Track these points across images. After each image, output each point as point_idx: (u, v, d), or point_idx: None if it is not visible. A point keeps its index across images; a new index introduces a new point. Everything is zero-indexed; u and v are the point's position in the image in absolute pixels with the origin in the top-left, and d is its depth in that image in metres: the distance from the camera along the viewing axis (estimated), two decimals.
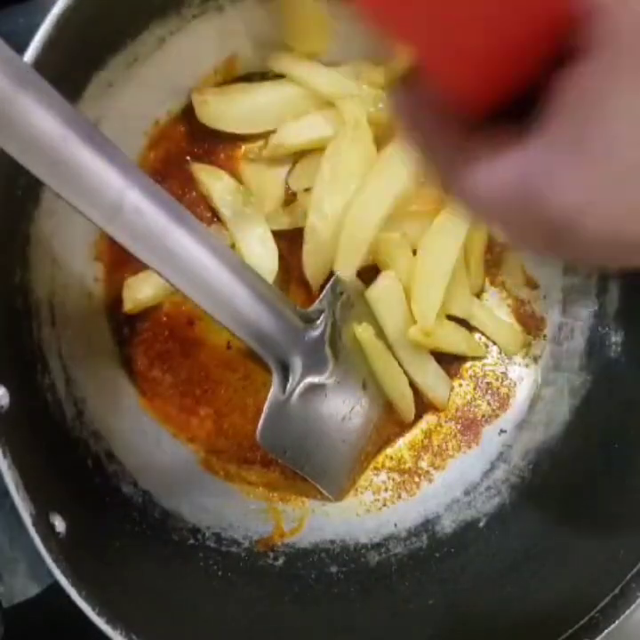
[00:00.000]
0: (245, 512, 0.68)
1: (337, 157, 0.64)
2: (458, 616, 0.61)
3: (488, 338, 0.73)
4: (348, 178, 0.63)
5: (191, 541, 0.64)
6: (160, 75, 0.65)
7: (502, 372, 0.73)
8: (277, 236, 0.67)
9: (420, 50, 0.28)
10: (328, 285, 0.66)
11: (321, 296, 0.66)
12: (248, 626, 0.59)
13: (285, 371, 0.63)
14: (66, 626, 0.51)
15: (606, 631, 0.52)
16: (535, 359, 0.73)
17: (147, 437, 0.67)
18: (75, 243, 0.63)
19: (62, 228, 0.59)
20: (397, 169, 0.63)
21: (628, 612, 0.53)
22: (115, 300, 0.67)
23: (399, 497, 0.70)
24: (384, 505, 0.70)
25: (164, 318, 0.69)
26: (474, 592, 0.62)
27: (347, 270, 0.65)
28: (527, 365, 0.73)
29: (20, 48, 0.47)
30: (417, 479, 0.71)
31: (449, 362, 0.72)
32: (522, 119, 0.29)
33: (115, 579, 0.53)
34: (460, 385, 0.73)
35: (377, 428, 0.70)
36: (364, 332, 0.66)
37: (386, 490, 0.71)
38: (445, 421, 0.72)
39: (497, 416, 0.72)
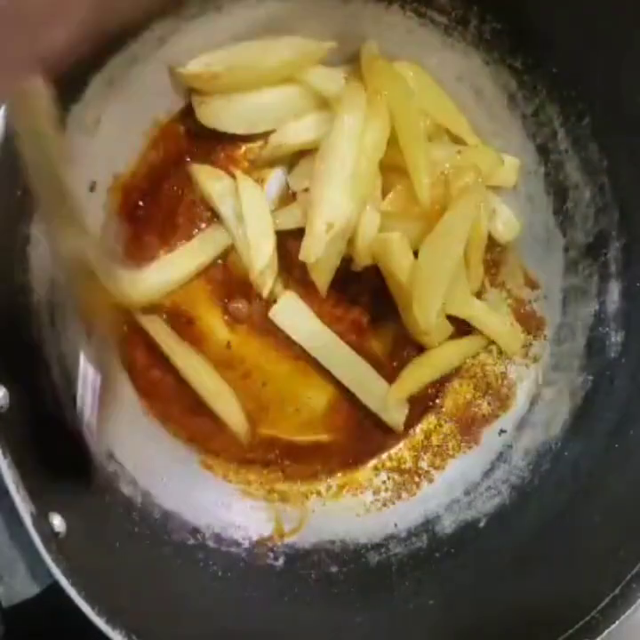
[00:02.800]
0: (245, 512, 0.68)
1: (329, 153, 0.64)
2: (458, 616, 0.61)
3: (488, 338, 0.73)
4: (341, 169, 0.63)
5: (191, 541, 0.64)
6: (160, 75, 0.65)
7: (502, 372, 0.73)
8: (277, 235, 0.67)
9: None
10: None
11: None
12: (248, 626, 0.59)
13: None
14: (66, 626, 0.51)
15: (606, 631, 0.52)
16: (535, 359, 0.73)
17: (147, 437, 0.67)
18: None
19: None
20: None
21: (628, 612, 0.53)
22: None
23: (399, 497, 0.70)
24: (384, 505, 0.70)
25: (164, 318, 0.69)
26: (474, 592, 0.62)
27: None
28: (527, 365, 0.73)
29: None
30: (417, 479, 0.71)
31: None
32: None
33: (115, 579, 0.53)
34: (460, 385, 0.73)
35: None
36: None
37: (386, 490, 0.71)
38: (445, 421, 0.72)
39: (497, 416, 0.72)
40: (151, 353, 0.68)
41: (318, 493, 0.69)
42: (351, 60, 0.69)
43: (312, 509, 0.69)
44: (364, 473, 0.71)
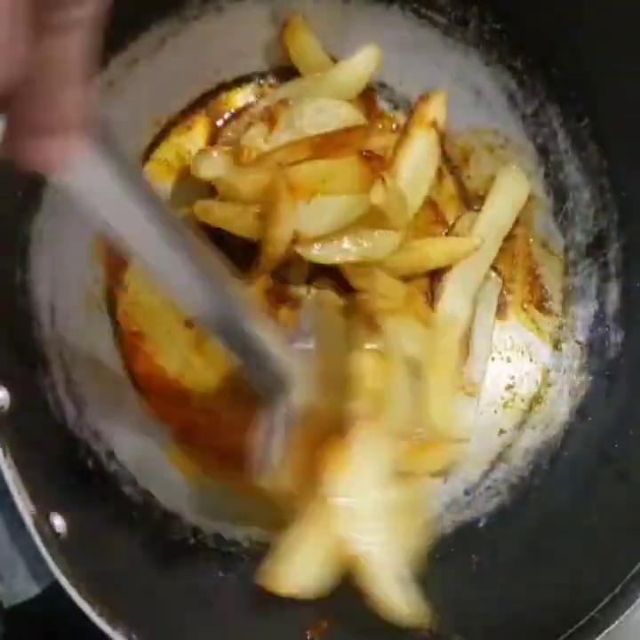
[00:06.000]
0: (245, 512, 0.68)
1: None
2: (457, 616, 0.61)
3: None
4: None
5: (191, 541, 0.64)
6: (161, 75, 0.65)
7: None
8: None
9: None
10: None
11: None
12: (248, 625, 0.59)
13: None
14: (66, 626, 0.51)
15: (606, 631, 0.52)
16: (535, 359, 0.73)
17: (147, 437, 0.67)
18: (75, 243, 0.63)
19: (62, 228, 0.59)
20: None
21: (627, 611, 0.53)
22: (115, 300, 0.67)
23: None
24: None
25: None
26: (473, 592, 0.62)
27: None
28: (527, 365, 0.73)
29: None
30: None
31: None
32: None
33: (115, 579, 0.53)
34: None
35: None
36: None
37: None
38: None
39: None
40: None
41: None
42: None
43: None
44: None
